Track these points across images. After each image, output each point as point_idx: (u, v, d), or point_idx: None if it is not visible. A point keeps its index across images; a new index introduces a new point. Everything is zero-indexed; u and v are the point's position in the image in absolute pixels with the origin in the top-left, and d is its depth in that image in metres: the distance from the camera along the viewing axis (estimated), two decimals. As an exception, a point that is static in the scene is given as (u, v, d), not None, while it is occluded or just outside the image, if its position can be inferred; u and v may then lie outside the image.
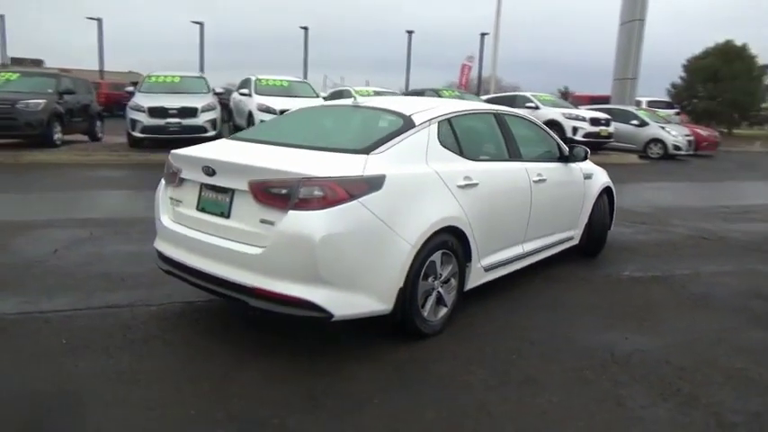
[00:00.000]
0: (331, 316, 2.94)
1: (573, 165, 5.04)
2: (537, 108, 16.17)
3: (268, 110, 12.63)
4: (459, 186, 3.57)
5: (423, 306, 3.38)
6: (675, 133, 17.35)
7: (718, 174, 14.84)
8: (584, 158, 5.07)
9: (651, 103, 25.21)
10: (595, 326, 3.83)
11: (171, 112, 12.08)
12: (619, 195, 5.97)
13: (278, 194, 2.93)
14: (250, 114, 13.11)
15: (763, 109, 27.86)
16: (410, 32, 32.09)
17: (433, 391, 2.87)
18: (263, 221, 2.99)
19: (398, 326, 3.31)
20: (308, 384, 2.89)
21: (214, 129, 12.70)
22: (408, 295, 3.22)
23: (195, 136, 12.32)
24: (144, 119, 12.04)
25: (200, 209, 3.34)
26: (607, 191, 5.60)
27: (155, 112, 12.03)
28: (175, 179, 3.50)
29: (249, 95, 13.54)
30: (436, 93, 15.86)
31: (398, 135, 3.40)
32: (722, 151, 20.19)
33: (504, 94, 17.61)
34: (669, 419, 2.69)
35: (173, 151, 3.60)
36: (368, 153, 3.19)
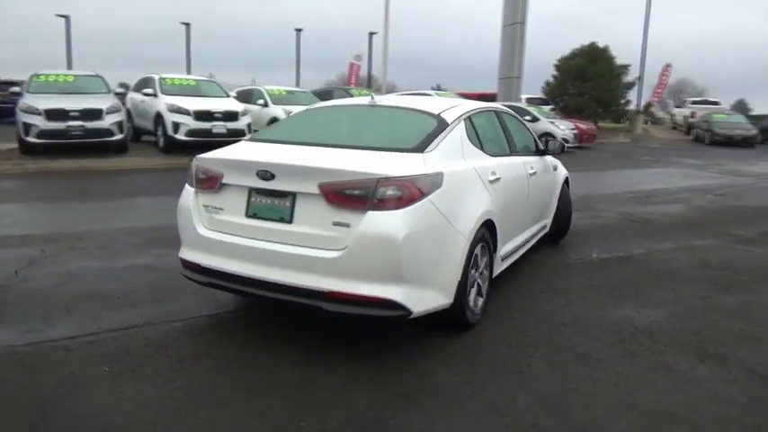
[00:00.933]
0: (410, 313, 2.98)
1: (546, 157, 5.43)
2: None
3: (180, 110, 12.02)
4: (490, 181, 3.75)
5: (469, 297, 3.52)
6: (563, 127, 18.96)
7: (604, 163, 16.44)
8: (562, 152, 5.47)
9: (529, 100, 27.20)
10: (604, 304, 4.19)
11: (72, 114, 10.96)
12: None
13: (354, 196, 2.90)
14: (159, 116, 12.34)
15: (622, 104, 31.22)
16: (299, 30, 31.76)
17: (511, 377, 3.02)
18: (336, 224, 2.95)
19: (455, 318, 3.40)
20: (395, 383, 2.91)
21: (121, 132, 11.78)
22: (463, 288, 3.33)
23: (100, 141, 11.44)
24: (40, 122, 10.80)
25: (252, 215, 3.19)
26: (566, 181, 6.09)
27: (53, 114, 10.86)
28: (214, 185, 3.31)
29: (155, 95, 12.69)
30: (346, 92, 15.92)
31: (439, 133, 3.49)
32: (598, 143, 22.34)
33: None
34: (716, 377, 3.07)
35: (210, 156, 3.41)
36: (422, 152, 3.25)
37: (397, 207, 2.90)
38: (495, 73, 25.05)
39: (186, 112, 11.98)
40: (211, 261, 3.28)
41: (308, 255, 2.97)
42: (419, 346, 3.35)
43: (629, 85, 31.78)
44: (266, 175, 3.08)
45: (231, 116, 12.19)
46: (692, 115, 30.34)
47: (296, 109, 11.34)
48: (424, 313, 3.10)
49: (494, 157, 4.05)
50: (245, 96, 14.47)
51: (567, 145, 18.12)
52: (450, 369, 3.08)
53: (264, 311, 3.83)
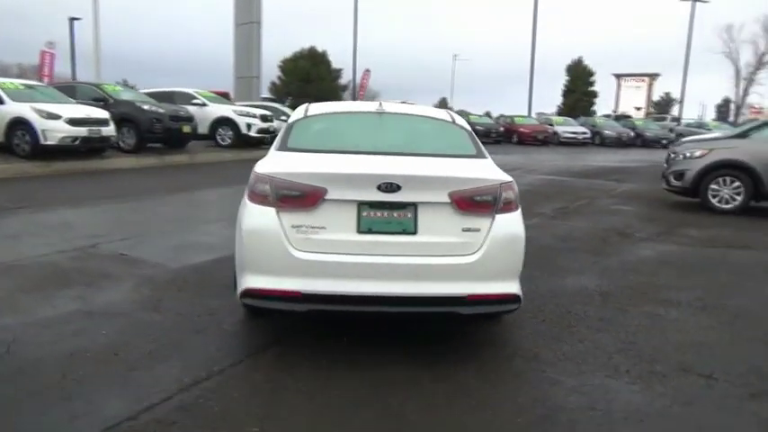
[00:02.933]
0: (520, 304, 3.28)
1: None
2: (204, 105, 16.02)
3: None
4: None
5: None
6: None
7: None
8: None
9: (263, 100, 27.62)
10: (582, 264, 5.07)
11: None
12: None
13: (483, 201, 3.06)
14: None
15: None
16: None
17: (577, 358, 3.59)
18: (466, 230, 3.06)
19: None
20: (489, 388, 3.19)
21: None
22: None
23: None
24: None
25: (366, 230, 3.01)
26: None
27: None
28: (312, 202, 2.99)
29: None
30: (98, 87, 13.83)
31: (475, 139, 3.81)
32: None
33: (160, 90, 16.53)
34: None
35: (300, 170, 3.05)
36: (486, 158, 3.55)
37: (514, 209, 3.18)
38: (231, 71, 24.68)
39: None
40: (317, 286, 2.98)
41: (442, 263, 3.02)
42: (463, 348, 3.65)
43: (344, 88, 34.97)
44: (391, 187, 2.97)
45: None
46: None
47: (41, 106, 10.32)
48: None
49: None
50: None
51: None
52: (511, 362, 3.47)
53: (308, 334, 3.57)
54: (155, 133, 13.09)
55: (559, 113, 39.83)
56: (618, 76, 62.58)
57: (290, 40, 69.41)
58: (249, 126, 16.01)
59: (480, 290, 3.06)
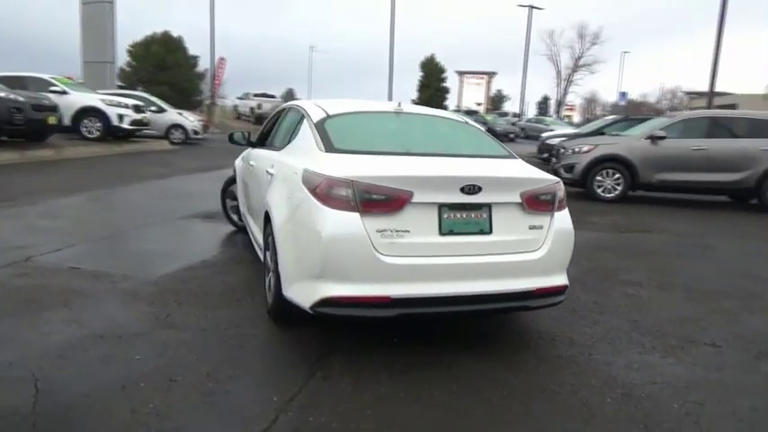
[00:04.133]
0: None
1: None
2: (65, 93, 14.23)
3: None
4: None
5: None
6: (192, 119, 18.71)
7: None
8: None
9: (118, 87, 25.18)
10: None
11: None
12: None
13: (546, 200, 3.27)
14: None
15: (200, 92, 32.21)
16: None
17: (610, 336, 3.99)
18: (532, 227, 3.24)
19: None
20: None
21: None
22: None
23: None
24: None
25: (447, 232, 3.05)
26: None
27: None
28: (398, 206, 2.95)
29: None
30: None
31: (497, 140, 4.00)
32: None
33: (7, 75, 14.24)
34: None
35: (384, 173, 2.98)
36: (518, 158, 3.77)
37: (565, 206, 3.44)
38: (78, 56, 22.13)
39: None
40: (405, 290, 2.96)
41: (514, 260, 3.17)
42: (499, 344, 3.89)
43: (200, 76, 33.05)
44: (473, 188, 3.05)
45: None
46: (259, 107, 34.05)
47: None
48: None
49: None
50: None
51: (197, 137, 18.29)
52: (557, 352, 3.79)
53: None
54: (15, 125, 11.36)
55: (416, 108, 41.78)
56: (460, 74, 67.23)
57: (139, 24, 63.52)
58: (121, 117, 14.57)
59: (545, 283, 3.27)
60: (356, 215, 2.94)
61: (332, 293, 2.96)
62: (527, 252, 3.23)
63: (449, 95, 51.43)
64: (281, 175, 3.69)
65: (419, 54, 50.80)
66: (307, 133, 3.68)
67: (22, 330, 3.38)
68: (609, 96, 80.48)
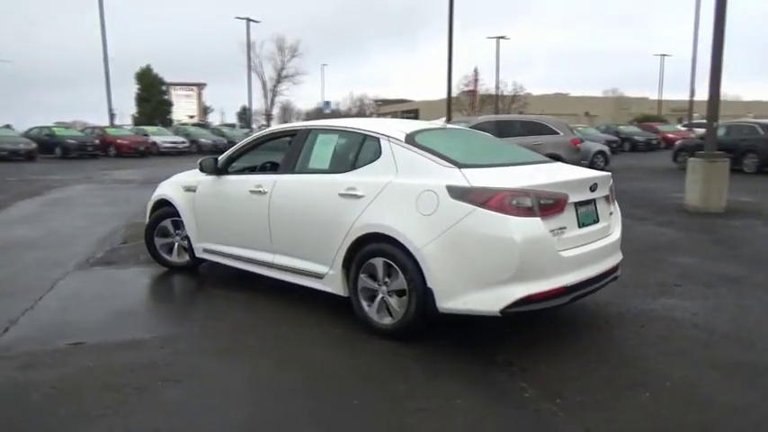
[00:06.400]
0: None
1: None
2: None
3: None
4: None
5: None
6: None
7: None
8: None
9: None
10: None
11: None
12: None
13: (611, 193, 4.08)
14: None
15: None
16: None
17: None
18: (610, 214, 4.03)
19: None
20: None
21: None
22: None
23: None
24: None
25: (581, 225, 3.61)
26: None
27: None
28: (562, 207, 3.42)
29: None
30: None
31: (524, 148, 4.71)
32: None
33: None
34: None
35: (551, 181, 3.52)
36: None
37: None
38: None
39: None
40: (572, 278, 3.45)
41: (610, 242, 3.90)
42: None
43: None
44: (594, 187, 3.69)
45: None
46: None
47: None
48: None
49: None
50: None
51: None
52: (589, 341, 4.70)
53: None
54: None
55: (137, 123, 38.29)
56: (169, 85, 63.90)
57: None
58: None
59: (619, 258, 4.09)
60: (538, 219, 3.31)
61: (528, 292, 3.26)
62: (611, 235, 4.00)
63: (173, 108, 48.48)
64: (393, 195, 3.66)
65: (134, 65, 46.39)
66: (404, 153, 3.76)
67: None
68: (307, 105, 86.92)
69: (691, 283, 5.01)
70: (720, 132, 17.71)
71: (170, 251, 5.56)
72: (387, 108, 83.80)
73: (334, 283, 4.03)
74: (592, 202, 3.81)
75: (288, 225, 4.32)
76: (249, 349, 3.65)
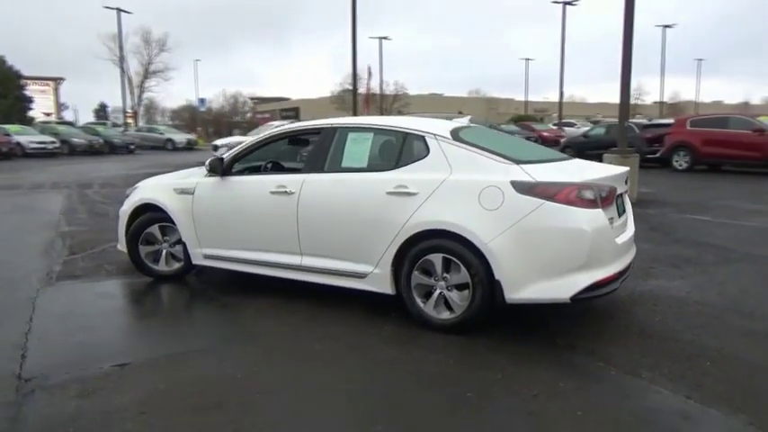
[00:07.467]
0: None
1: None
2: None
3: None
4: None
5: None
6: None
7: None
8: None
9: None
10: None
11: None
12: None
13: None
14: None
15: None
16: None
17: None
18: (628, 209, 4.43)
19: None
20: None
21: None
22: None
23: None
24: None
25: (618, 214, 3.94)
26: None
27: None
28: (614, 198, 3.77)
29: None
30: None
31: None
32: None
33: None
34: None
35: (605, 174, 3.85)
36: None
37: None
38: None
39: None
40: (620, 265, 3.76)
41: (633, 233, 4.28)
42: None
43: None
44: (626, 180, 4.04)
45: None
46: None
47: None
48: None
49: None
50: None
51: None
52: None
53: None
54: None
55: (-8, 121, 33.73)
56: (26, 79, 57.06)
57: None
58: None
59: (635, 250, 4.50)
60: (600, 210, 3.58)
61: (593, 279, 3.51)
62: (630, 228, 4.37)
63: (33, 105, 43.39)
64: (451, 192, 3.72)
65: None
66: (455, 151, 3.85)
67: None
68: (176, 103, 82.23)
69: (662, 266, 5.62)
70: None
71: (156, 260, 5.13)
72: (265, 106, 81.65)
73: (379, 282, 4.01)
74: (621, 195, 4.17)
75: (322, 225, 4.20)
76: (319, 354, 3.53)
